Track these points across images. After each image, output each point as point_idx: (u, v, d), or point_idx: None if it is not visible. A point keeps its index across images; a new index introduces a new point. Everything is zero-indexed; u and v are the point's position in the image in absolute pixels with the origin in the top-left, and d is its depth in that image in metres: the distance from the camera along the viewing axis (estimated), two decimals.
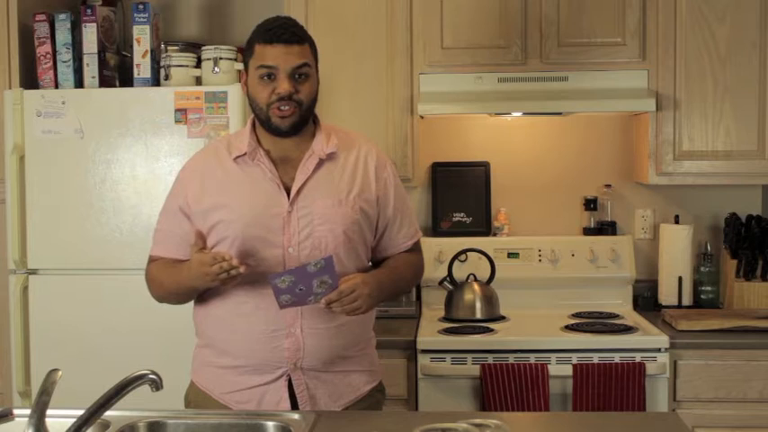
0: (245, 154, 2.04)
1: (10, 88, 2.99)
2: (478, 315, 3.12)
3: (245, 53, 2.07)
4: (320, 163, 2.04)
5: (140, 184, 2.88)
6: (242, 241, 1.98)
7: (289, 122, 2.00)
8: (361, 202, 2.05)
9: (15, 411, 1.82)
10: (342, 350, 2.05)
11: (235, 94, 2.85)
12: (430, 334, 2.92)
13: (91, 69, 2.99)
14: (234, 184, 2.03)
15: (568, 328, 2.98)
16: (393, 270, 2.13)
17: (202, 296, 2.09)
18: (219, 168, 2.06)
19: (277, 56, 1.97)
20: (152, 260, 2.14)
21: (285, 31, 1.99)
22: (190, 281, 1.97)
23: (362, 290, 1.94)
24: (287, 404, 2.01)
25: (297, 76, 1.99)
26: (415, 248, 2.22)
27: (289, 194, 2.01)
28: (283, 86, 1.97)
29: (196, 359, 2.14)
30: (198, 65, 3.02)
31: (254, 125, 2.08)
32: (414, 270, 2.22)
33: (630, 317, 3.16)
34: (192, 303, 2.13)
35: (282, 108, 1.98)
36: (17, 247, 2.91)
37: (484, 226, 3.45)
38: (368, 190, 2.07)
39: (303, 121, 2.04)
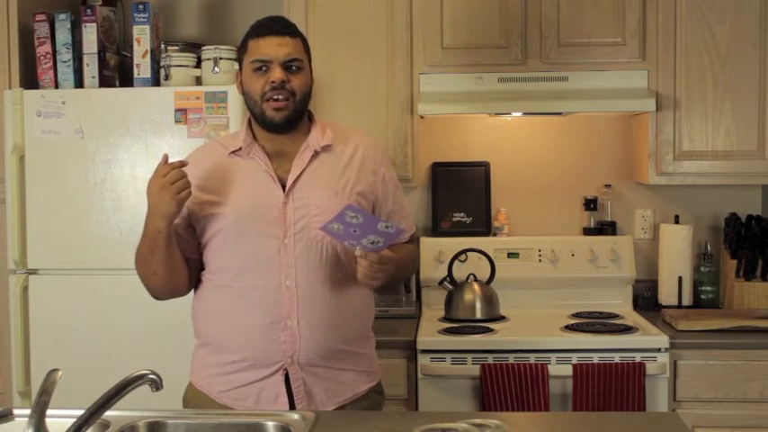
0: (240, 149, 2.06)
1: (10, 88, 2.99)
2: (478, 315, 3.12)
3: (239, 53, 2.11)
4: (316, 155, 2.07)
5: (140, 184, 2.84)
6: (237, 233, 2.00)
7: (282, 115, 2.02)
8: (357, 195, 2.06)
9: (15, 411, 1.82)
10: (339, 344, 2.05)
11: (235, 94, 2.84)
12: (430, 334, 2.92)
13: (91, 69, 2.99)
14: (229, 178, 2.05)
15: (568, 328, 2.98)
16: (400, 259, 2.13)
17: (200, 293, 2.10)
18: (215, 163, 2.08)
19: (269, 47, 2.01)
20: None
21: (276, 24, 2.05)
22: (153, 213, 1.95)
23: (389, 268, 1.98)
24: (284, 399, 2.01)
25: (289, 67, 2.02)
26: (412, 241, 2.27)
27: (284, 187, 2.02)
28: (276, 75, 2.00)
29: (195, 360, 2.14)
30: (198, 65, 3.02)
31: (249, 123, 2.11)
32: (413, 261, 2.29)
33: (630, 317, 3.16)
34: (190, 302, 2.13)
35: (276, 98, 2.00)
36: (17, 247, 2.91)
37: (484, 226, 3.45)
38: (364, 183, 2.09)
39: (297, 116, 2.06)
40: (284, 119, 2.03)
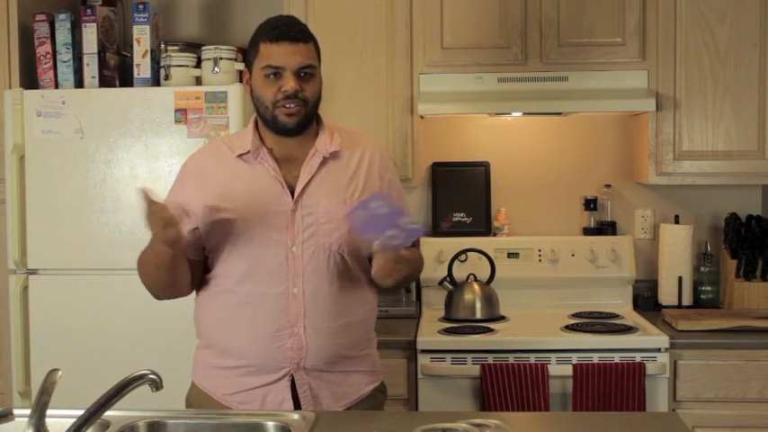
0: (248, 152, 2.03)
1: (10, 88, 2.99)
2: (478, 315, 3.12)
3: (248, 51, 2.07)
4: (324, 161, 2.04)
5: (140, 184, 2.87)
6: (245, 239, 1.98)
7: (295, 121, 2.00)
8: None
9: (15, 411, 1.81)
10: (344, 349, 2.05)
11: (235, 94, 2.85)
12: (430, 334, 2.92)
13: (91, 69, 2.99)
14: (236, 182, 2.02)
15: (568, 328, 2.98)
16: (413, 260, 2.12)
17: (203, 296, 2.09)
18: (222, 166, 2.05)
19: (283, 54, 1.97)
20: None
21: (291, 29, 2.00)
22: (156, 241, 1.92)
23: (404, 268, 1.98)
24: (290, 404, 2.00)
25: (302, 74, 1.99)
26: (415, 244, 2.23)
27: (292, 193, 2.00)
28: (289, 84, 1.96)
29: (197, 360, 2.13)
30: (198, 65, 3.02)
31: (256, 124, 2.08)
32: (418, 265, 2.26)
33: (630, 317, 3.16)
34: (192, 304, 2.13)
35: (288, 106, 1.97)
36: (17, 247, 2.91)
37: (484, 226, 3.45)
38: (371, 191, 2.06)
39: (308, 121, 2.04)
40: (297, 124, 2.00)
